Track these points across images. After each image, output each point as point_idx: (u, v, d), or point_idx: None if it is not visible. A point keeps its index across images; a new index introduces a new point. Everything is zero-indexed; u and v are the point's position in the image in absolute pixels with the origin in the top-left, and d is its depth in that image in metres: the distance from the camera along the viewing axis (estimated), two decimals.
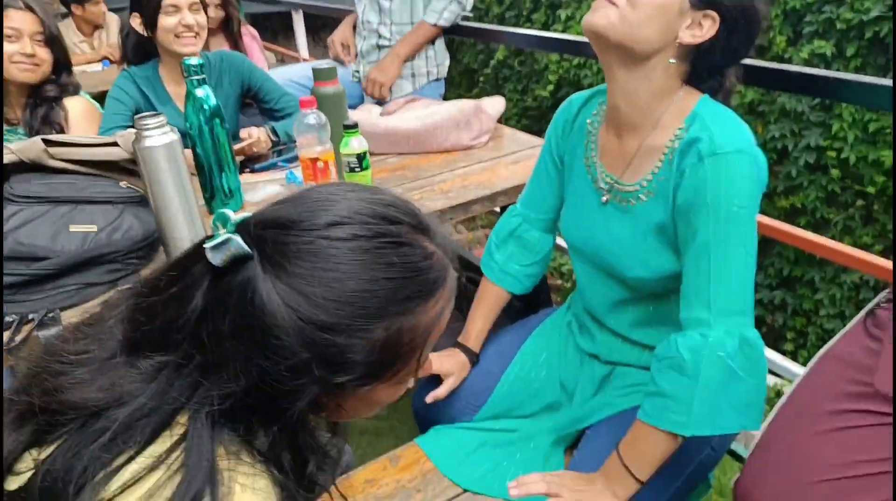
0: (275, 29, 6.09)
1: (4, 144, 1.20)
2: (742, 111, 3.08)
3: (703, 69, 0.97)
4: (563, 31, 3.97)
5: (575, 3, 3.91)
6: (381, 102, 2.15)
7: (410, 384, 0.64)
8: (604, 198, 1.07)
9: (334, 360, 0.53)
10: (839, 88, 1.26)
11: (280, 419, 0.55)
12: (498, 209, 1.80)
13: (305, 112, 1.31)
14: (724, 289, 0.91)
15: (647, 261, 1.01)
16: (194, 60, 1.26)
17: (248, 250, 0.53)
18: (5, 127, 1.69)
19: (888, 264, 1.39)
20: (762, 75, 1.39)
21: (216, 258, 0.53)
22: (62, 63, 1.68)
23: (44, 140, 1.14)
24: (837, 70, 2.69)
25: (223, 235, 0.54)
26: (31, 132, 1.62)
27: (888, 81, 1.12)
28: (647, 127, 1.00)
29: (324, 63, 1.50)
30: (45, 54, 1.63)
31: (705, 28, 0.92)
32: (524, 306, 1.46)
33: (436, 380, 1.25)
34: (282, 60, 4.86)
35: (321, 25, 6.19)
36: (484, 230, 4.67)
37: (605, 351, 1.18)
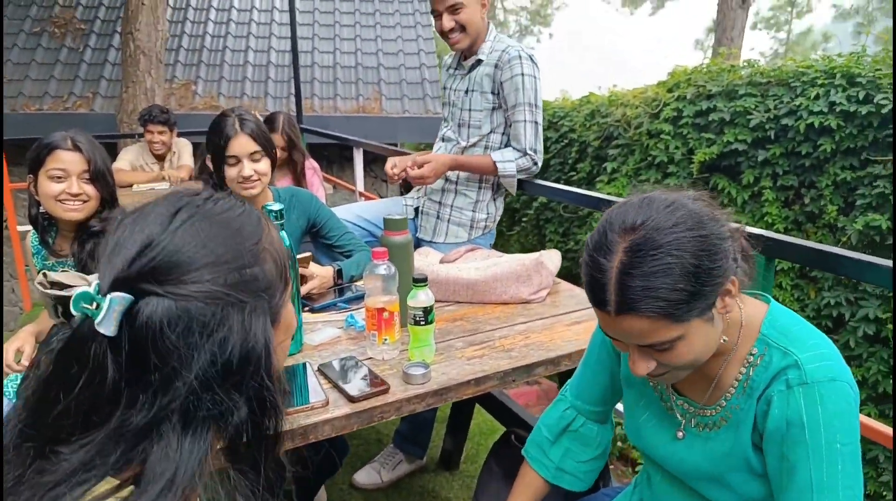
0: (331, 158, 6.44)
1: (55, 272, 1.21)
2: (794, 275, 3.04)
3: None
4: (608, 182, 4.08)
5: (621, 158, 4.05)
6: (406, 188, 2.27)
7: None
8: (679, 433, 1.00)
9: (262, 287, 0.62)
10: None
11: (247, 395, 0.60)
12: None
13: (377, 263, 1.31)
14: None
15: (731, 486, 0.95)
16: (275, 207, 1.30)
17: (132, 296, 0.56)
18: (56, 259, 1.72)
19: None
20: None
21: (109, 328, 0.55)
22: (107, 198, 1.69)
23: None
24: (892, 244, 2.67)
25: (101, 306, 0.55)
26: (80, 265, 1.63)
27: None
28: (725, 354, 0.94)
29: (394, 213, 1.53)
30: (91, 191, 1.64)
31: (734, 290, 0.87)
32: None
33: None
34: (335, 188, 5.09)
35: (373, 159, 6.54)
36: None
37: None
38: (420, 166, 2.12)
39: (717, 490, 0.96)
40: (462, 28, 2.11)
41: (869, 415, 2.69)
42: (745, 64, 3.58)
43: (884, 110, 2.69)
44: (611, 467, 3.07)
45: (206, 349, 0.57)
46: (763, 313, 0.93)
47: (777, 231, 3.00)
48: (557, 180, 4.89)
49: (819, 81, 2.95)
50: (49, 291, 1.10)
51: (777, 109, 3.10)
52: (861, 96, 2.77)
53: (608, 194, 3.33)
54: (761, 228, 2.96)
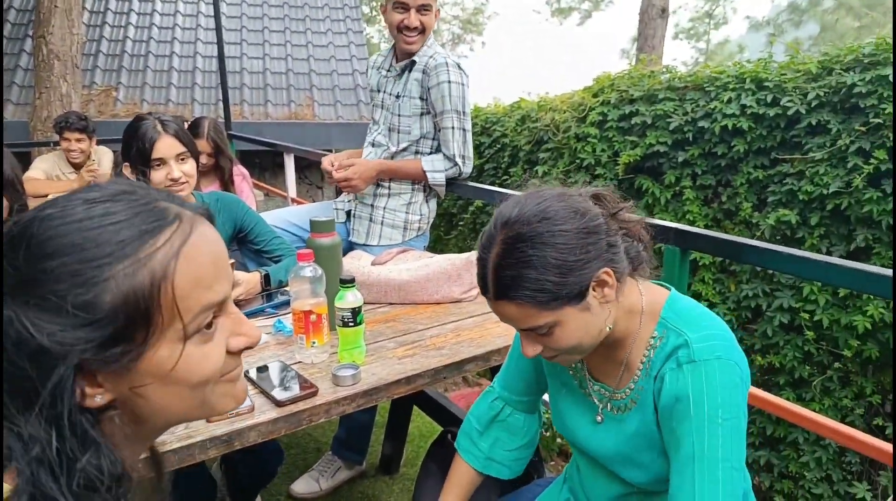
0: (263, 165, 6.30)
1: None
2: (715, 270, 3.19)
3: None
4: (539, 186, 4.17)
5: (551, 161, 4.15)
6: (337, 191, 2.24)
7: (219, 346, 0.58)
8: (598, 418, 1.04)
9: (82, 315, 0.50)
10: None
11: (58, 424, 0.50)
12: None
13: (302, 264, 1.29)
14: None
15: (644, 466, 0.99)
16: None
17: None
18: None
19: (865, 438, 1.33)
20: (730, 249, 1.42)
21: None
22: (17, 209, 1.59)
23: None
24: (802, 237, 2.84)
25: None
26: None
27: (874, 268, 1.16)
28: (629, 340, 0.99)
29: (322, 215, 1.51)
30: None
31: (611, 281, 0.90)
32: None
33: None
34: (267, 195, 4.98)
35: (307, 165, 6.44)
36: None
37: None
38: (349, 183, 2.11)
39: (633, 471, 0.99)
40: (423, 30, 2.12)
41: (788, 399, 2.84)
42: (665, 70, 3.73)
43: (789, 112, 2.86)
44: (551, 462, 3.13)
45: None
46: (664, 298, 0.98)
47: (698, 227, 3.14)
48: (492, 184, 4.96)
49: (731, 86, 3.11)
50: None
51: (694, 112, 3.25)
52: (769, 99, 2.94)
53: None
54: (684, 224, 3.09)
